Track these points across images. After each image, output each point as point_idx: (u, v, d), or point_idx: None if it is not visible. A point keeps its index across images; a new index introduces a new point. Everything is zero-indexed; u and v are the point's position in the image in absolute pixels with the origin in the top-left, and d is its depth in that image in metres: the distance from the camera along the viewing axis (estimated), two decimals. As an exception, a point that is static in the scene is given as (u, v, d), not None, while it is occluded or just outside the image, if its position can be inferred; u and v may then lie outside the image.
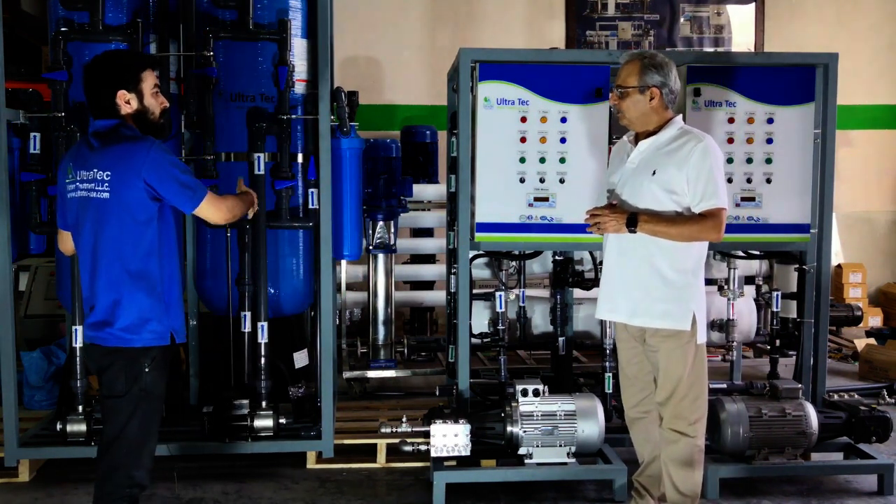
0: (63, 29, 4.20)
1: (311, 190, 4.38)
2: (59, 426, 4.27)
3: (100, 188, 3.03)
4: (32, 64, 7.25)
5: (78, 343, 4.25)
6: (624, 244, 3.48)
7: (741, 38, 8.44)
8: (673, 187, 3.38)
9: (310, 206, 4.40)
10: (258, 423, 4.31)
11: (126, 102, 3.10)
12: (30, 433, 4.41)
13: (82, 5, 4.19)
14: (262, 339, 4.31)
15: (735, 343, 4.67)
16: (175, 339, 3.14)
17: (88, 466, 4.34)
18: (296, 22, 4.42)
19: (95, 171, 3.04)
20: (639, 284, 3.47)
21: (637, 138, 3.54)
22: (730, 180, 4.20)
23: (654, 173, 3.42)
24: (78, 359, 4.26)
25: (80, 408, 4.28)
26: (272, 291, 4.42)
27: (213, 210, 3.19)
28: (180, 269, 3.25)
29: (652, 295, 3.44)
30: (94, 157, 3.07)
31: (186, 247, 4.70)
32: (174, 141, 4.44)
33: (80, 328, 4.24)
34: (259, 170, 4.27)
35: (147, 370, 3.06)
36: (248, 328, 4.34)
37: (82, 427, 4.26)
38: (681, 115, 3.55)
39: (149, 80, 3.15)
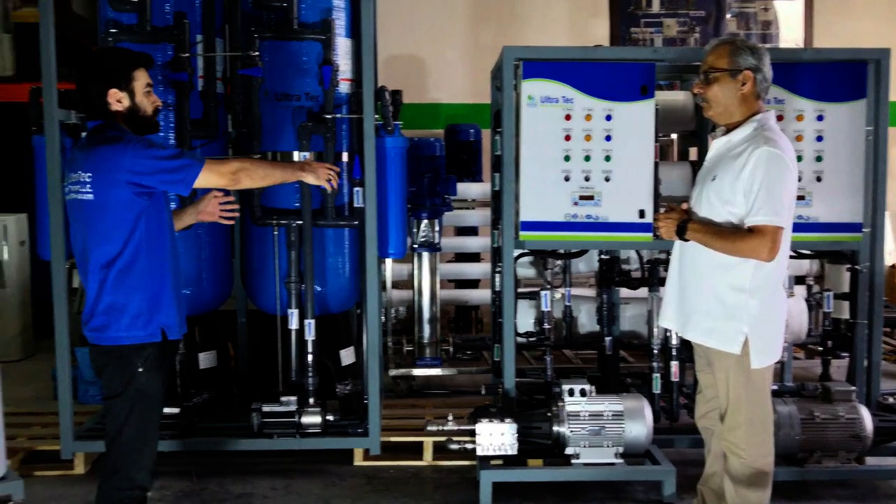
0: (112, 30, 4.26)
1: (356, 189, 4.40)
2: (110, 421, 4.34)
3: (83, 190, 3.02)
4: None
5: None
6: (684, 252, 3.33)
7: (789, 33, 8.31)
8: (728, 196, 3.15)
9: (355, 205, 4.41)
10: (306, 419, 4.33)
11: (117, 101, 3.09)
12: (84, 427, 4.49)
13: (130, 7, 4.25)
14: (310, 336, 4.35)
15: (786, 344, 4.60)
16: (167, 336, 3.10)
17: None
18: (340, 21, 4.44)
19: (80, 172, 3.03)
20: (691, 296, 3.32)
21: (727, 133, 3.29)
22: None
23: (714, 178, 3.24)
24: (129, 355, 4.32)
25: (132, 403, 4.35)
26: (318, 289, 4.45)
27: (214, 177, 3.13)
28: (173, 263, 3.17)
29: (701, 309, 3.27)
30: (80, 158, 3.07)
31: (234, 244, 4.74)
32: (221, 140, 4.49)
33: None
34: (305, 168, 4.30)
35: (141, 370, 3.03)
36: (295, 325, 4.38)
37: (133, 422, 4.32)
38: (771, 113, 3.31)
39: (141, 80, 3.13)
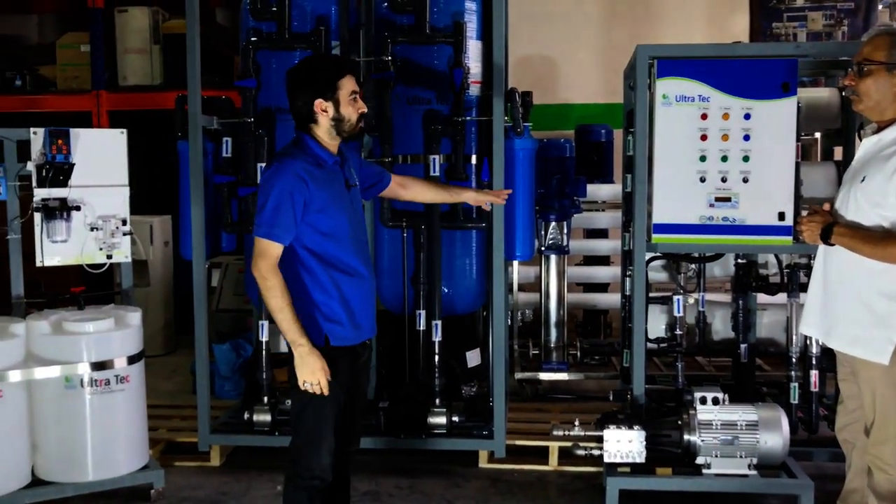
0: (252, 38, 4.42)
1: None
2: (245, 415, 4.50)
3: None
4: (225, 73, 7.69)
5: (264, 337, 4.46)
6: (829, 256, 3.18)
7: (948, 24, 7.77)
8: (878, 199, 2.98)
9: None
10: (432, 419, 4.38)
11: (323, 111, 3.10)
12: (220, 420, 4.68)
13: (270, 16, 4.40)
14: (437, 337, 4.38)
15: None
16: (329, 342, 3.11)
17: (272, 455, 4.54)
18: (471, 24, 4.46)
19: None
20: (836, 303, 3.15)
21: (878, 130, 3.15)
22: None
23: (863, 179, 3.07)
24: (264, 352, 4.47)
25: (266, 398, 4.49)
26: (446, 291, 4.48)
27: (258, 260, 3.01)
28: (352, 274, 3.14)
29: (847, 317, 3.10)
30: None
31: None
32: (356, 143, 4.58)
33: (266, 323, 4.45)
34: (434, 171, 4.33)
35: None
36: (422, 326, 4.42)
37: (267, 417, 4.47)
38: None
39: (346, 87, 3.11)
